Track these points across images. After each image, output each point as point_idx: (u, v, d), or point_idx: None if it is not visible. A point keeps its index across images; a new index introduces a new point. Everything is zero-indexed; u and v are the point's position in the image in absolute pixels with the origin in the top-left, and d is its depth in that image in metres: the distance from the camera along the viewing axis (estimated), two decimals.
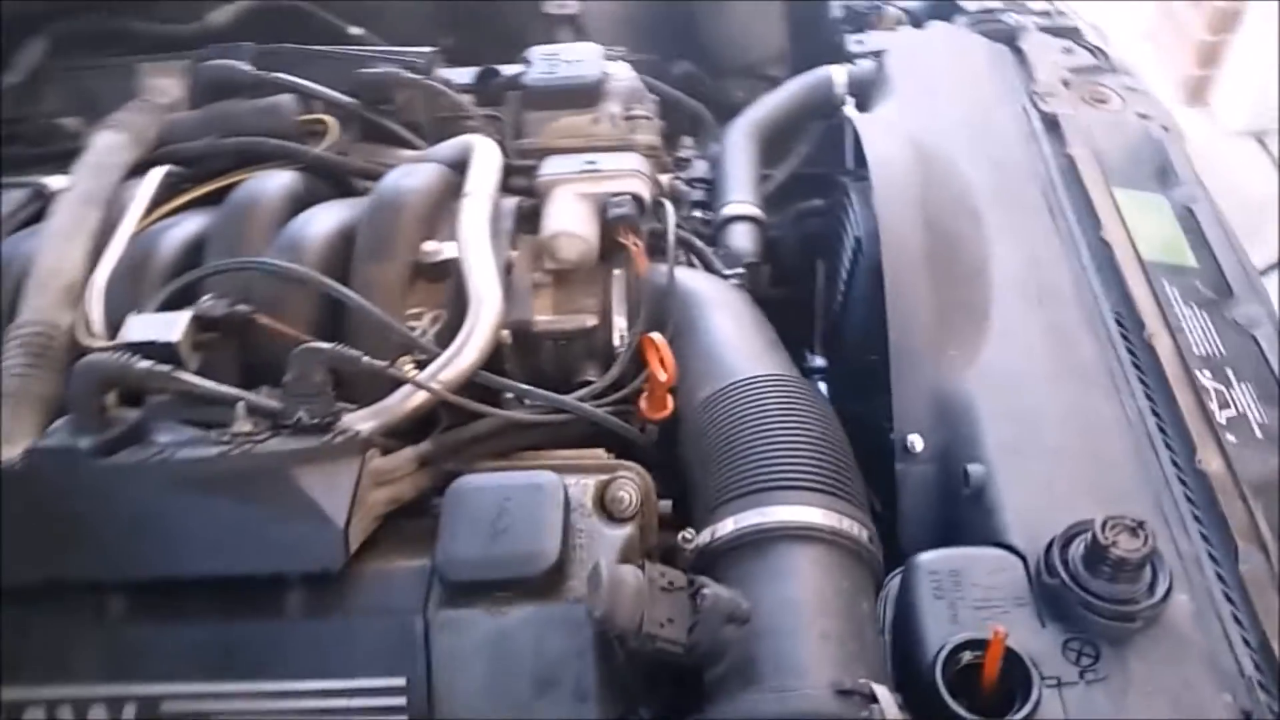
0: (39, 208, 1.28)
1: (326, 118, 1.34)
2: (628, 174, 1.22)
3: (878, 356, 1.21)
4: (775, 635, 0.83)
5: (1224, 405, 1.09)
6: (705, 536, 0.91)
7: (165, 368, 0.96)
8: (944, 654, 0.83)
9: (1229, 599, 0.93)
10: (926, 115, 1.46)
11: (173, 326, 1.01)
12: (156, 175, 1.23)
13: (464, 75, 1.54)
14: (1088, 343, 1.15)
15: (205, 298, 1.05)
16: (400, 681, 0.87)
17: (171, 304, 1.08)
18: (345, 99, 1.38)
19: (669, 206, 1.23)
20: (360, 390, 1.03)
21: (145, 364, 0.95)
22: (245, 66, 1.36)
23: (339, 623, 0.89)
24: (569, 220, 1.17)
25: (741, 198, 1.52)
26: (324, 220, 1.17)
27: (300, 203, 1.23)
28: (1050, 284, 1.21)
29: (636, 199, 1.20)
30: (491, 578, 0.88)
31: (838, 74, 1.72)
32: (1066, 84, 1.57)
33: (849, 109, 1.57)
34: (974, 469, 1.01)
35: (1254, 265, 1.34)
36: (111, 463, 0.90)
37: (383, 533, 0.96)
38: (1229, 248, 1.33)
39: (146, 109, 1.36)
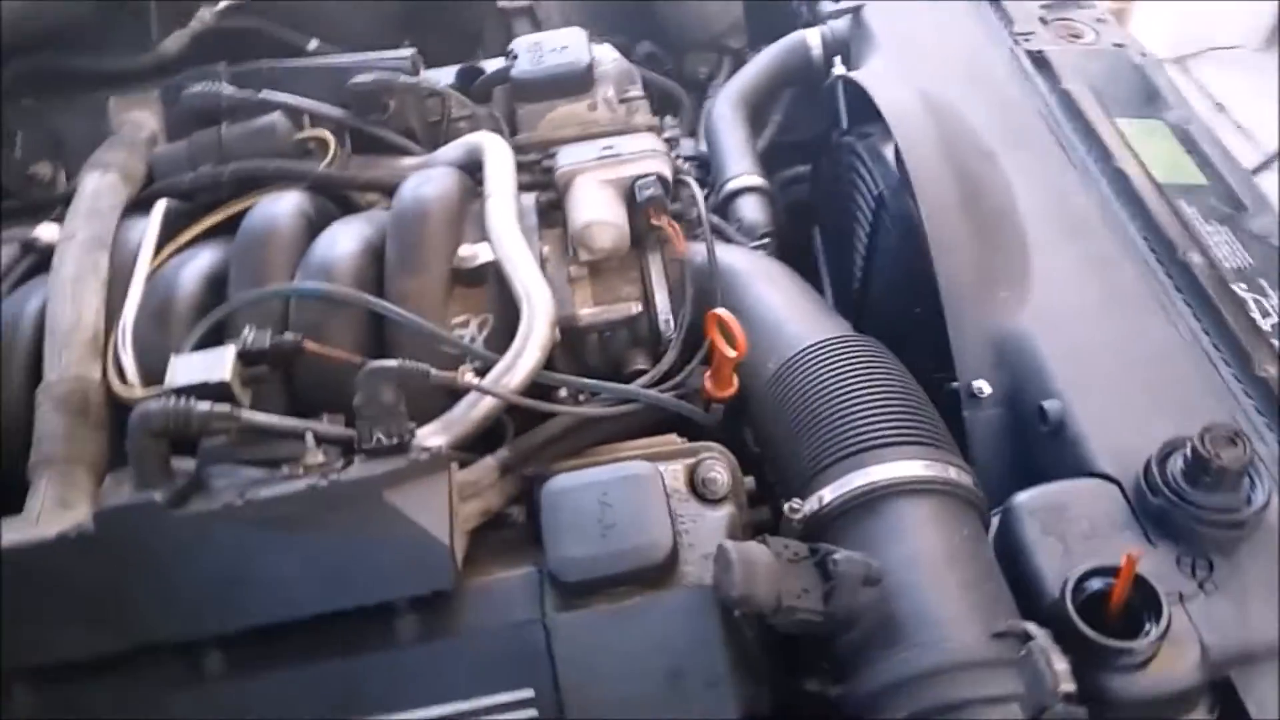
0: (33, 262, 1.22)
1: (324, 133, 1.29)
2: (648, 155, 1.20)
3: (920, 309, 1.21)
4: (911, 591, 0.82)
5: (1265, 314, 1.11)
6: (812, 504, 0.90)
7: (225, 407, 0.91)
8: (1071, 583, 0.83)
9: None
10: (919, 66, 1.47)
11: (220, 364, 0.96)
12: (159, 211, 1.18)
13: (443, 76, 1.50)
14: (1128, 269, 1.16)
15: (246, 330, 1.01)
16: (528, 693, 0.85)
17: (205, 342, 1.03)
18: (336, 111, 1.33)
19: (694, 184, 1.21)
20: (418, 406, 1.00)
21: (204, 406, 0.90)
22: (228, 89, 1.30)
23: (456, 643, 0.87)
24: (598, 208, 1.15)
25: (744, 169, 1.51)
26: (348, 239, 1.13)
27: (314, 223, 1.19)
28: (1078, 216, 1.23)
29: (662, 179, 1.18)
30: (608, 574, 0.86)
31: (811, 37, 1.72)
32: (1044, 22, 1.59)
33: (839, 68, 1.57)
34: (1050, 405, 1.01)
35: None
36: (196, 512, 0.85)
37: (473, 548, 0.94)
38: (1229, 163, 1.36)
39: (128, 145, 1.30)
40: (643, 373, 1.11)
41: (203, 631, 0.86)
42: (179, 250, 1.17)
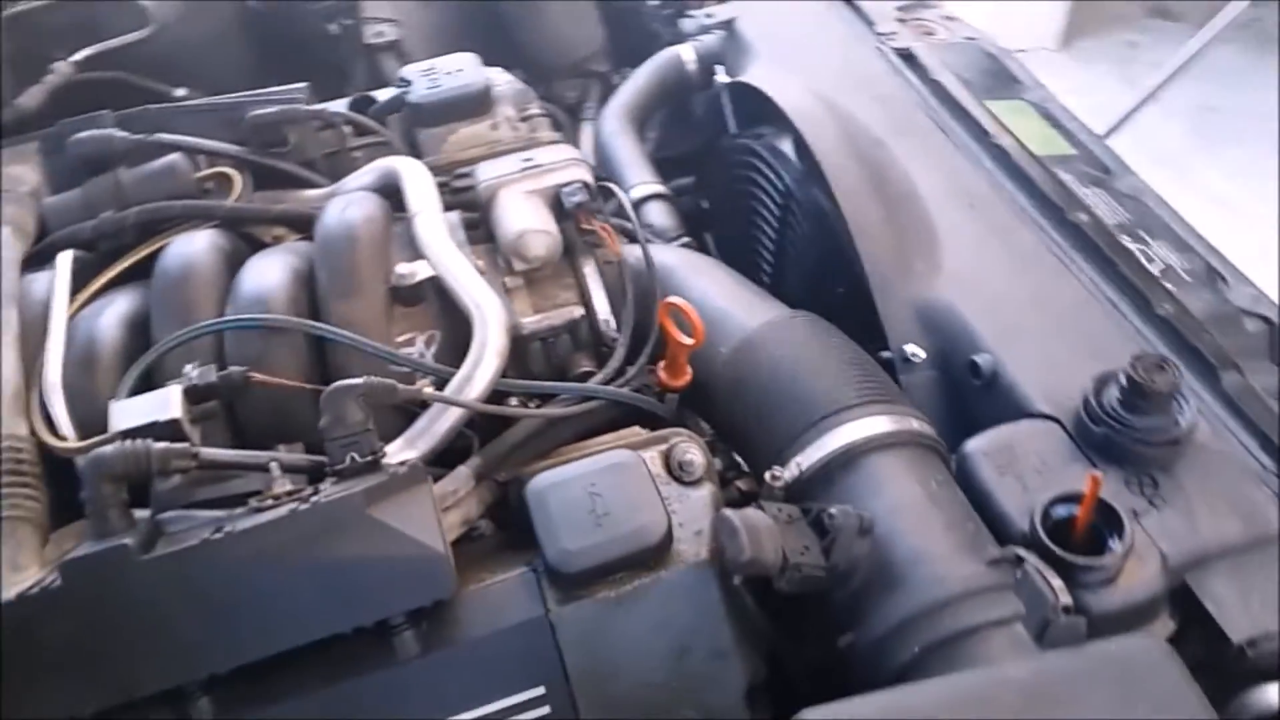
0: None
1: (227, 169, 1.25)
2: (569, 164, 1.22)
3: (843, 289, 1.27)
4: (901, 537, 0.86)
5: (1151, 260, 1.22)
6: (792, 471, 0.93)
7: (183, 445, 0.88)
8: (1039, 511, 0.89)
9: (1228, 413, 1.04)
10: (799, 68, 1.54)
11: (167, 403, 0.92)
12: (66, 261, 1.12)
13: (334, 108, 1.48)
14: (1025, 234, 1.25)
15: (188, 368, 0.97)
16: (539, 691, 0.84)
17: (134, 389, 0.99)
18: (234, 149, 1.30)
19: (616, 188, 1.24)
20: (376, 427, 0.98)
21: (161, 445, 0.86)
22: (119, 134, 1.25)
23: (460, 652, 0.85)
24: (528, 218, 1.16)
25: (644, 178, 1.54)
26: (275, 269, 1.10)
27: (232, 259, 1.15)
28: (971, 191, 1.31)
29: (586, 185, 1.20)
30: (608, 560, 0.86)
31: (685, 52, 1.78)
32: (902, 21, 1.70)
33: (722, 76, 1.63)
34: (981, 359, 1.08)
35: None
36: (172, 551, 0.81)
37: (457, 559, 0.92)
38: (1089, 134, 1.49)
39: (13, 200, 1.23)
40: (590, 374, 1.11)
41: (191, 677, 0.82)
42: (92, 299, 1.11)
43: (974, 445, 0.99)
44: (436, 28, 2.15)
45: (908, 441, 0.94)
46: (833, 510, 0.84)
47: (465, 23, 2.17)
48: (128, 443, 0.86)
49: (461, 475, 0.96)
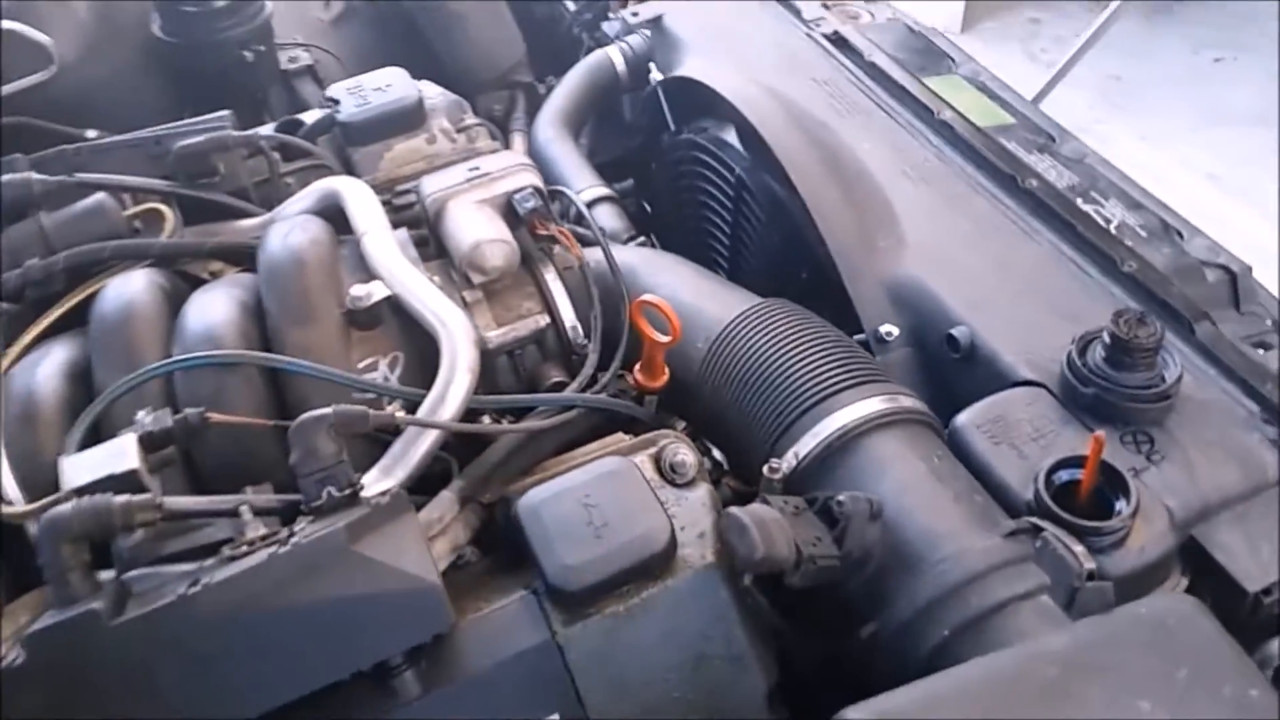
0: None
1: (158, 205, 1.19)
2: (516, 169, 1.18)
3: (806, 273, 1.25)
4: (912, 516, 0.84)
5: (1107, 220, 1.22)
6: (789, 461, 0.90)
7: (146, 496, 0.81)
8: (1043, 478, 0.87)
9: (1206, 362, 1.04)
10: (734, 59, 1.52)
11: (123, 454, 0.85)
12: None
13: (264, 133, 1.41)
14: (980, 204, 1.25)
15: (141, 414, 0.90)
16: (553, 717, 0.80)
17: (82, 443, 0.92)
18: (161, 184, 1.23)
19: (569, 191, 1.20)
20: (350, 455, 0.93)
21: (123, 498, 0.80)
22: (37, 176, 1.17)
23: (464, 687, 0.80)
24: (481, 228, 1.11)
25: (589, 182, 1.51)
26: (220, 303, 1.04)
27: (173, 297, 1.08)
28: (922, 166, 1.31)
29: (538, 190, 1.16)
30: (612, 573, 0.82)
31: (613, 54, 1.75)
32: (827, 7, 1.69)
33: (656, 74, 1.60)
34: (957, 332, 1.07)
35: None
36: (146, 612, 0.75)
37: (448, 589, 0.87)
38: (1025, 103, 1.49)
39: None
40: (563, 384, 1.07)
41: None
42: (25, 352, 1.03)
43: (965, 418, 0.97)
44: (352, 50, 2.09)
45: (903, 419, 0.92)
46: (840, 497, 0.81)
47: (381, 42, 2.11)
48: (84, 500, 0.79)
49: (445, 500, 0.92)
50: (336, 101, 1.40)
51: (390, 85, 1.41)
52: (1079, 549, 0.78)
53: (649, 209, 1.75)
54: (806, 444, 0.90)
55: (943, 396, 1.09)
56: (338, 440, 0.84)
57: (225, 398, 0.96)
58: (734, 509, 0.79)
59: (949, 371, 1.09)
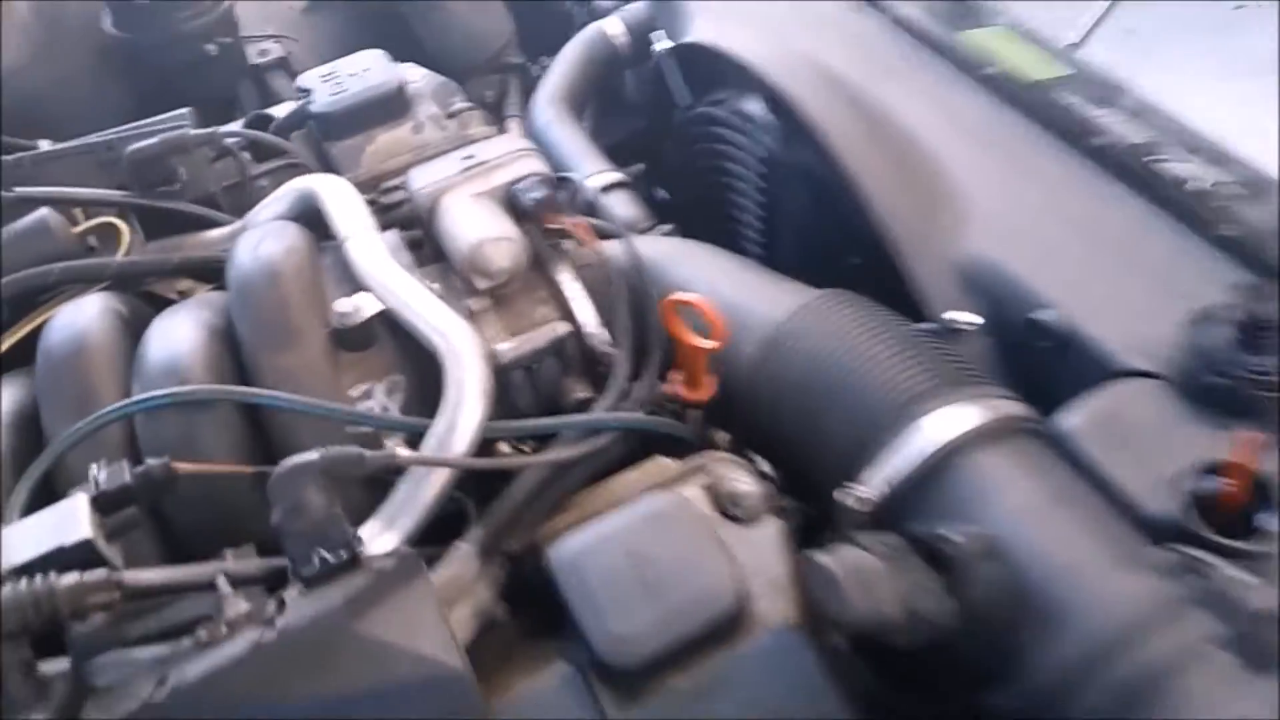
0: None
1: (112, 219, 1.03)
2: (518, 156, 1.02)
3: (859, 259, 1.10)
4: (1039, 552, 0.68)
5: (1195, 178, 1.07)
6: (879, 487, 0.75)
7: (99, 572, 0.66)
8: (1188, 493, 0.72)
9: None
10: (749, 20, 1.36)
11: (73, 520, 0.70)
12: None
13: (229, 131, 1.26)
14: (1048, 166, 1.10)
15: (93, 469, 0.75)
16: None
17: (35, 503, 0.77)
18: (116, 194, 1.08)
19: (575, 178, 1.05)
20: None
21: (71, 577, 0.65)
22: None
23: None
24: (483, 225, 0.96)
25: (598, 167, 1.36)
26: (185, 329, 0.89)
27: (132, 325, 0.93)
28: (976, 127, 1.15)
29: (545, 178, 1.00)
30: (672, 642, 0.67)
31: (610, 25, 1.61)
32: None
33: (662, 43, 1.45)
34: (1046, 315, 0.92)
35: None
36: None
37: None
38: (1072, 50, 1.34)
39: None
40: (590, 400, 0.92)
41: None
42: None
43: (1073, 422, 0.81)
44: (327, 39, 1.94)
45: (1009, 429, 0.77)
46: (949, 534, 0.66)
47: (359, 29, 1.96)
48: (22, 587, 0.64)
49: (464, 555, 0.76)
50: (309, 91, 1.25)
51: (368, 70, 1.26)
52: (1261, 587, 0.63)
53: (664, 197, 1.60)
54: (897, 465, 0.75)
55: (1028, 394, 0.94)
56: (328, 490, 0.69)
57: (196, 442, 0.81)
58: (820, 556, 0.64)
59: (1035, 363, 0.94)
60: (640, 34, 1.57)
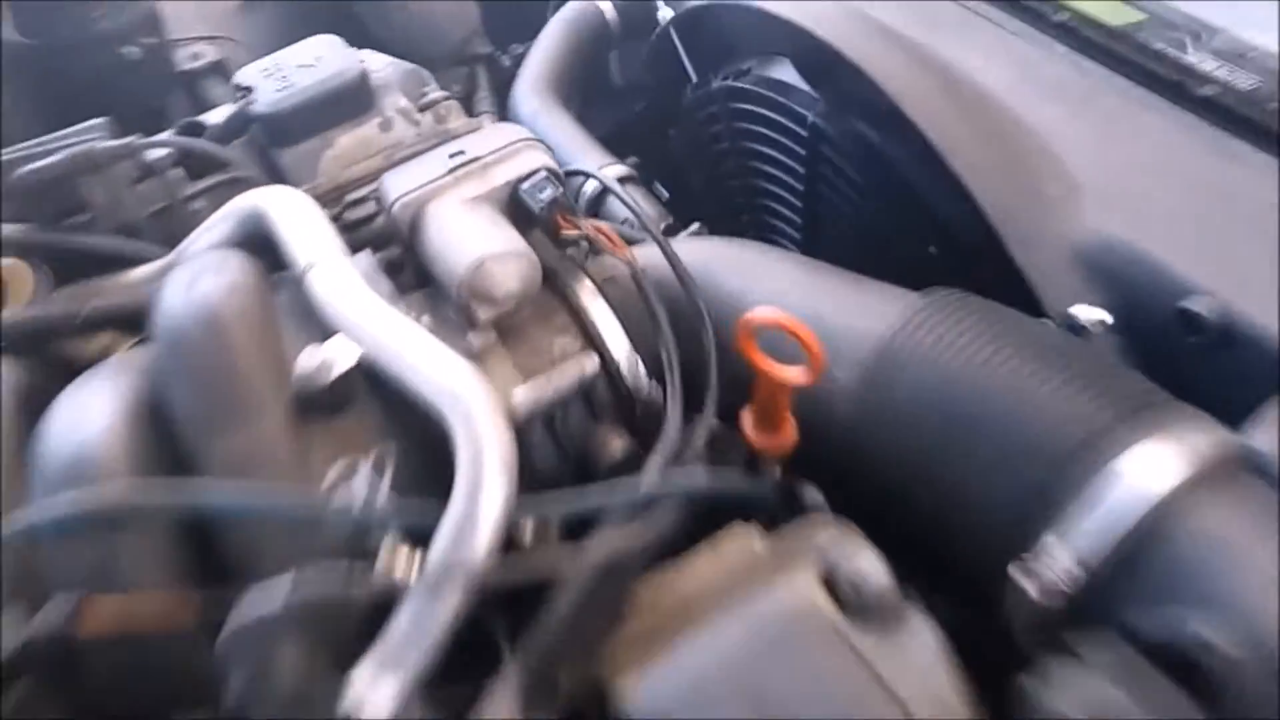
0: None
1: (8, 263, 0.81)
2: (519, 147, 0.81)
3: (936, 247, 0.90)
4: None
5: None
6: (1070, 569, 0.54)
7: None
8: None
9: None
10: None
11: None
12: None
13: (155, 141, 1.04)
14: (1153, 123, 0.90)
15: None
16: None
17: None
18: (11, 228, 0.86)
19: (594, 170, 0.84)
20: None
21: None
22: None
23: None
24: (483, 239, 0.75)
25: (600, 161, 1.15)
26: (99, 405, 0.67)
27: (32, 403, 0.71)
28: (1060, 82, 0.96)
29: (554, 174, 0.79)
30: None
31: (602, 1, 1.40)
32: None
33: (665, 10, 1.24)
34: (1197, 304, 0.72)
35: None
36: None
37: None
38: None
39: None
40: (635, 457, 0.72)
41: None
42: None
43: (1268, 442, 0.62)
44: (269, 38, 1.71)
45: (1229, 470, 0.57)
46: (1204, 637, 0.46)
47: (303, 26, 1.74)
48: None
49: (502, 701, 0.55)
50: (250, 90, 1.03)
51: (320, 59, 1.04)
52: None
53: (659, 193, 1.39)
54: (1090, 536, 0.54)
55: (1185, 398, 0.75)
56: (309, 644, 0.48)
57: (117, 568, 0.59)
58: (1049, 695, 0.44)
59: (1186, 362, 0.75)
60: (632, 7, 1.37)
